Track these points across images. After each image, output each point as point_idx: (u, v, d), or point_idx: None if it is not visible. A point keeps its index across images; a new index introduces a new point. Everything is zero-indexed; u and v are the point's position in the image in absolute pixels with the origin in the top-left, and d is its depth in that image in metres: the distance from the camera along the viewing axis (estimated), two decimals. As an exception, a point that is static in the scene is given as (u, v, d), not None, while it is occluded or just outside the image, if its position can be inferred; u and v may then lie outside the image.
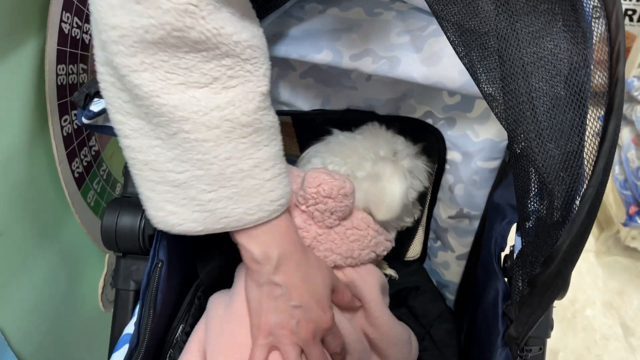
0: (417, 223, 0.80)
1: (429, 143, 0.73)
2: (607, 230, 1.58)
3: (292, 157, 0.80)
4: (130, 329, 0.59)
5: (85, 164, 0.80)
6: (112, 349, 0.61)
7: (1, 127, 0.64)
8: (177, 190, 0.49)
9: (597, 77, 0.40)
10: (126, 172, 0.64)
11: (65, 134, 0.73)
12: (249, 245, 0.52)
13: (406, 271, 0.86)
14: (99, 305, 0.88)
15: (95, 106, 0.57)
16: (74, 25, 0.73)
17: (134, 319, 0.60)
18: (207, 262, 0.70)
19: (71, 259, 0.82)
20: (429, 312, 0.81)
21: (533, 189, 0.47)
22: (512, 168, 0.50)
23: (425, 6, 0.55)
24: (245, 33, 0.46)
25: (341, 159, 0.69)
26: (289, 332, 0.53)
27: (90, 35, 0.77)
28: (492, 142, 0.67)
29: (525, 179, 0.47)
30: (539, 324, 0.50)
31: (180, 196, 0.49)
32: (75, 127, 0.76)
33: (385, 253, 0.68)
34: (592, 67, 0.40)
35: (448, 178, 0.74)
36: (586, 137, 0.41)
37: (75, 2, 0.73)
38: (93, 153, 0.83)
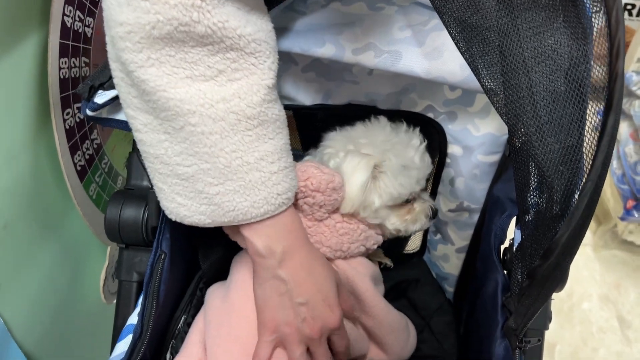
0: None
1: (430, 137, 0.73)
2: (604, 224, 1.59)
3: (294, 152, 0.80)
4: (133, 319, 0.60)
5: (87, 157, 0.80)
6: (115, 339, 0.61)
7: (4, 121, 0.64)
8: (185, 184, 0.50)
9: (596, 71, 0.40)
10: (129, 165, 0.65)
11: (67, 127, 0.73)
12: (253, 238, 0.53)
13: (406, 264, 0.87)
14: (101, 297, 0.88)
15: (100, 98, 0.58)
16: (77, 18, 0.73)
17: (137, 309, 0.60)
18: (210, 254, 0.70)
19: (73, 251, 0.82)
20: (428, 304, 0.82)
21: (533, 182, 0.47)
22: (512, 162, 0.50)
23: (427, 1, 0.55)
24: (250, 27, 0.46)
25: (327, 150, 0.68)
26: (294, 330, 0.53)
27: (92, 28, 0.77)
28: (493, 136, 0.68)
29: (525, 173, 0.48)
30: (537, 316, 0.51)
31: (189, 189, 0.50)
32: (78, 120, 0.77)
33: (375, 247, 0.68)
34: (592, 62, 0.41)
35: (448, 172, 0.75)
36: (585, 131, 0.42)
37: (78, -5, 0.73)
38: (95, 146, 0.83)
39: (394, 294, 0.82)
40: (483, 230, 0.72)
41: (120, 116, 0.60)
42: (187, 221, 0.52)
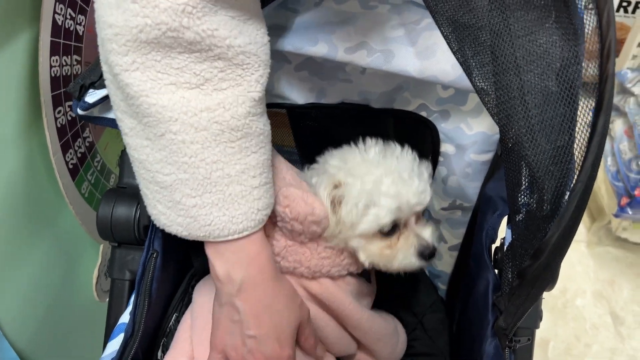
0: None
1: (423, 135, 0.73)
2: (598, 221, 1.60)
3: (287, 149, 0.80)
4: (125, 318, 0.60)
5: (79, 155, 0.80)
6: (107, 338, 0.62)
7: (-5, 118, 0.64)
8: (164, 192, 0.49)
9: (588, 68, 0.40)
10: (121, 163, 0.64)
11: (59, 125, 0.73)
12: (214, 260, 0.52)
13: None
14: (94, 295, 0.88)
15: (90, 97, 0.57)
16: (68, 16, 0.72)
17: (129, 308, 0.60)
18: (202, 252, 0.70)
19: (66, 249, 0.82)
20: (421, 302, 0.82)
21: (524, 182, 0.48)
22: (503, 162, 0.51)
23: (419, 0, 0.55)
24: (242, 38, 0.46)
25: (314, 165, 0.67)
26: (240, 357, 0.53)
27: (83, 26, 0.77)
28: (485, 135, 0.68)
29: (516, 173, 0.48)
30: (527, 315, 0.51)
31: (167, 198, 0.49)
32: (69, 118, 0.76)
33: (359, 272, 0.66)
34: (583, 63, 0.41)
35: (441, 170, 0.75)
36: (577, 130, 0.42)
37: (69, -8, 0.72)
38: (87, 144, 0.83)
39: (386, 293, 0.82)
40: (475, 228, 0.72)
41: (112, 114, 0.60)
42: (168, 230, 0.51)
